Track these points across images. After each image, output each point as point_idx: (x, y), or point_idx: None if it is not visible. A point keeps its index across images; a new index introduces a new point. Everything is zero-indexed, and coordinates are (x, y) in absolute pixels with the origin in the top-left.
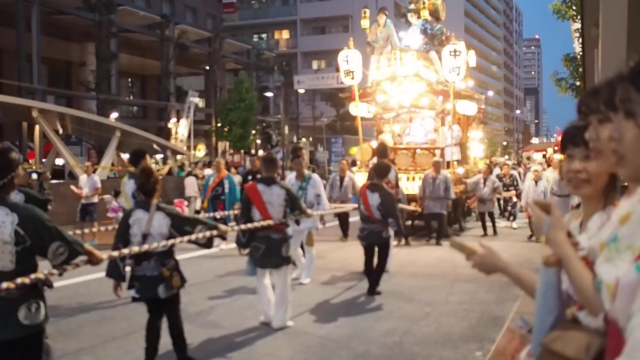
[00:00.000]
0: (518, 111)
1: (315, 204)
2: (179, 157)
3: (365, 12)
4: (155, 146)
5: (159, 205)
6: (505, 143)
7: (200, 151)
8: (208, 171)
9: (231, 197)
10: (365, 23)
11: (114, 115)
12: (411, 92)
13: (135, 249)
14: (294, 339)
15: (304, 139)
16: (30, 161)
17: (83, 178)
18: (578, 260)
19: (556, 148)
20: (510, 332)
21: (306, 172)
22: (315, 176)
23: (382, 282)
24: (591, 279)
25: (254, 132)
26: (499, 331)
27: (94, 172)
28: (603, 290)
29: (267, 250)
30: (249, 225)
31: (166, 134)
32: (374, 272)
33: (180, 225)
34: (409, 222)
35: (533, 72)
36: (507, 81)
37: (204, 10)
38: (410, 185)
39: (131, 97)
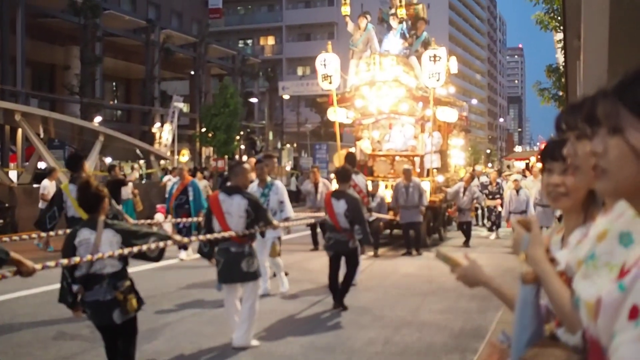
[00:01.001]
0: (501, 119)
1: (277, 212)
2: (162, 162)
3: (345, 0)
4: (138, 151)
5: (106, 221)
6: (488, 151)
7: (184, 156)
8: (168, 177)
9: (196, 205)
10: (345, 10)
11: (98, 119)
12: (390, 97)
13: (76, 259)
14: (275, 349)
15: (288, 145)
16: (12, 164)
17: (46, 183)
18: (556, 277)
19: (539, 157)
20: (491, 346)
21: (268, 178)
22: (278, 183)
23: (364, 291)
24: (569, 296)
25: (238, 137)
26: (481, 341)
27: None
28: (581, 307)
29: (226, 264)
30: (208, 236)
31: (150, 138)
32: (341, 284)
33: (133, 242)
34: (387, 231)
35: (516, 81)
36: (491, 89)
37: (189, 15)
38: (388, 193)
39: (115, 101)
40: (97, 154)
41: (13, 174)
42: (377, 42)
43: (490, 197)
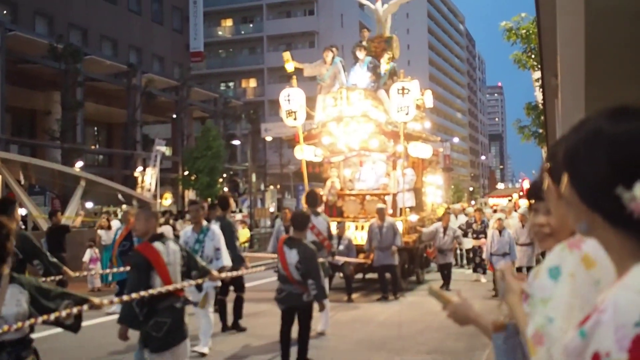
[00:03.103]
0: (483, 157)
1: (213, 259)
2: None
3: (287, 58)
4: (120, 196)
5: (12, 275)
6: (471, 189)
7: (167, 200)
8: (116, 223)
9: None
10: (289, 66)
11: (79, 164)
12: (359, 133)
13: None
14: None
15: (271, 187)
16: None
17: None
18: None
19: (521, 193)
20: None
21: (204, 223)
22: (215, 227)
23: (354, 331)
24: None
25: (221, 180)
26: None
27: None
28: (527, 345)
29: (174, 324)
30: (151, 291)
31: (132, 182)
32: (298, 342)
33: (42, 301)
34: (359, 276)
35: (497, 119)
36: (472, 128)
37: (171, 59)
38: (359, 235)
39: (97, 146)
40: (78, 199)
41: None
42: (344, 76)
43: (475, 236)
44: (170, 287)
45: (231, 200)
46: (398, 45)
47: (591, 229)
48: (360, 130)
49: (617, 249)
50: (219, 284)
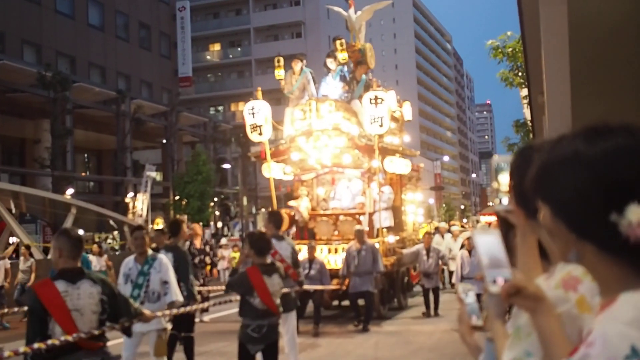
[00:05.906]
0: (474, 175)
1: (161, 294)
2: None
3: (279, 61)
4: (111, 222)
5: None
6: (463, 207)
7: (159, 225)
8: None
9: None
10: (279, 73)
11: (70, 191)
12: (330, 148)
13: None
14: None
15: (263, 209)
16: None
17: None
18: (502, 337)
19: None
20: None
21: (149, 252)
22: (162, 257)
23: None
24: None
25: (212, 204)
26: None
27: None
28: None
29: None
30: (51, 341)
31: (123, 209)
32: None
33: None
34: (335, 302)
35: (486, 136)
36: (462, 146)
37: (159, 84)
38: (332, 258)
39: (87, 173)
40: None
41: None
42: (314, 87)
43: None
44: (70, 338)
45: (184, 225)
46: (373, 54)
47: (581, 258)
48: (331, 145)
49: (605, 276)
50: (168, 326)
